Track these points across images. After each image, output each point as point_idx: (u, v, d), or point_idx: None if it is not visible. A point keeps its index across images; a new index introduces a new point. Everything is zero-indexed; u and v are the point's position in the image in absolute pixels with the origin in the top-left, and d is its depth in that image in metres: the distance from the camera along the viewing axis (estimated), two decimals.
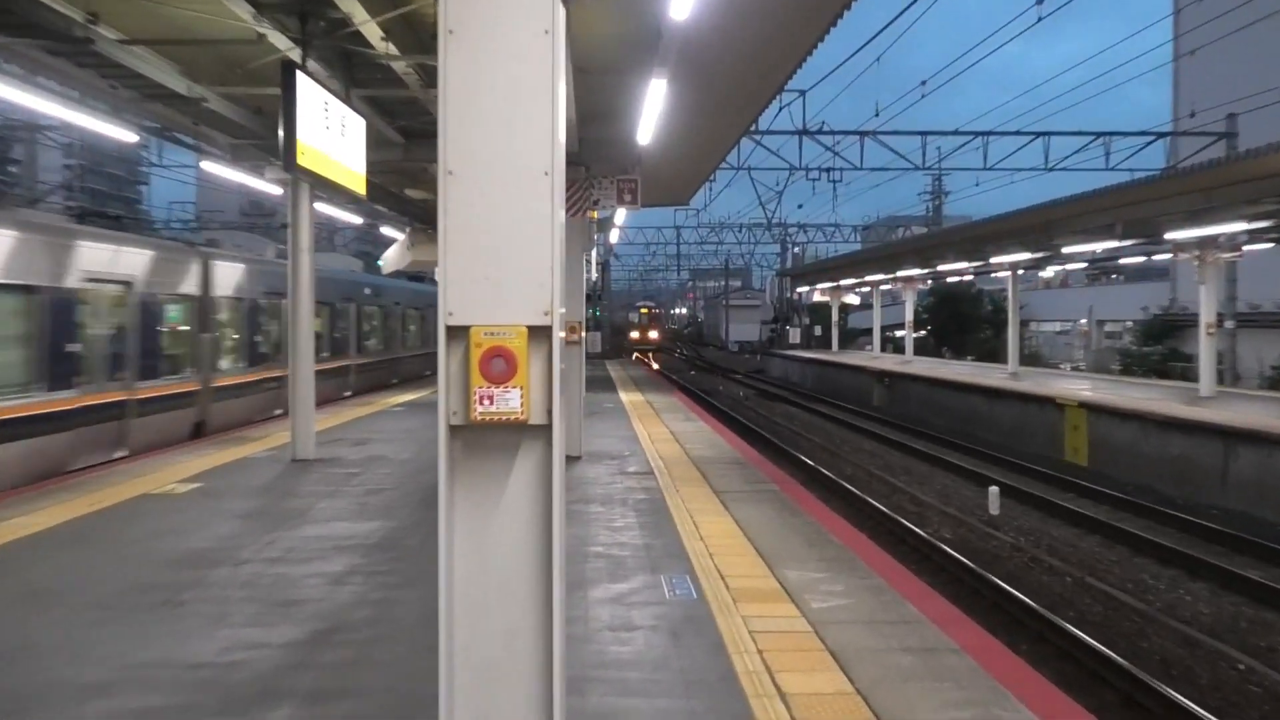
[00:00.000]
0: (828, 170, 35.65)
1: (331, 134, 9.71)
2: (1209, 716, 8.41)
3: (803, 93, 30.42)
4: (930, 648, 6.00)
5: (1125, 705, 9.17)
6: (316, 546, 8.70)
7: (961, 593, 12.50)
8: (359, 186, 10.69)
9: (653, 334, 76.98)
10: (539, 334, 3.39)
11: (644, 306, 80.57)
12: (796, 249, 66.37)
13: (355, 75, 11.54)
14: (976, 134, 31.87)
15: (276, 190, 15.86)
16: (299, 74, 8.92)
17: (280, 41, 9.91)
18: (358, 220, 24.93)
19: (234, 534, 9.20)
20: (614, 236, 35.50)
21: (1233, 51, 35.03)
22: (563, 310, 3.51)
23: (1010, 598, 11.90)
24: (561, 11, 3.40)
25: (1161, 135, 32.54)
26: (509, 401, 3.35)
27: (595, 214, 16.85)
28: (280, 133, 8.86)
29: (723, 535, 9.07)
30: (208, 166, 15.08)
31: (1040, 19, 19.91)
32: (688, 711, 5.09)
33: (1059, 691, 5.37)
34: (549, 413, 3.40)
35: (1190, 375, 30.50)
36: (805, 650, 5.98)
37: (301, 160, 8.97)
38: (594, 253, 41.66)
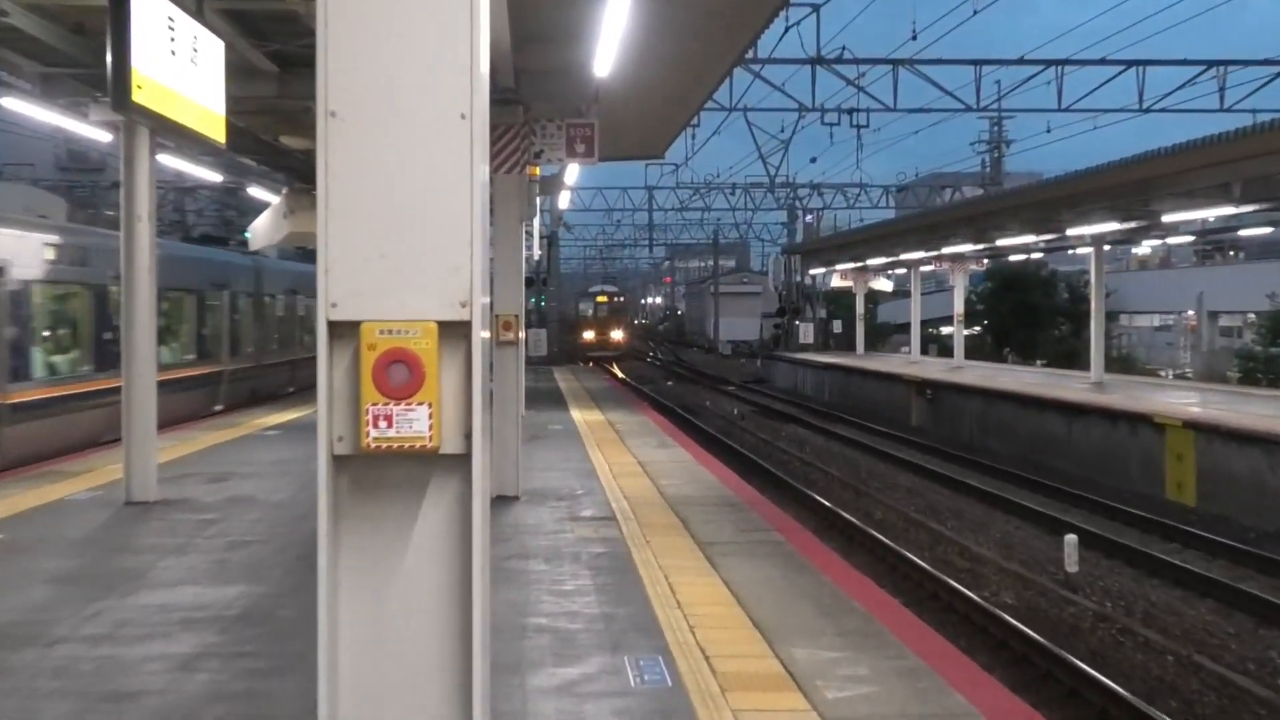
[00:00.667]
0: (850, 112, 35.85)
1: (179, 61, 9.65)
2: None
3: (816, 8, 30.50)
4: None
5: None
6: (158, 620, 8.63)
7: (1028, 677, 12.57)
8: (217, 132, 10.64)
9: (615, 334, 75.73)
10: (454, 332, 3.39)
11: (601, 293, 78.41)
12: (809, 218, 66.72)
13: None
14: (1048, 63, 32.08)
15: (105, 136, 15.75)
16: None
17: None
18: (216, 178, 24.81)
19: (44, 603, 9.11)
20: (564, 200, 35.47)
21: None
22: (487, 300, 3.51)
23: (1093, 684, 11.98)
24: None
25: None
26: (413, 423, 3.34)
27: (537, 170, 16.89)
28: (109, 59, 8.78)
29: (708, 601, 9.07)
30: (9, 104, 14.94)
31: None
32: None
33: None
34: (468, 438, 3.40)
35: None
36: None
37: (138, 96, 8.89)
38: (536, 222, 41.63)
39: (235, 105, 11.25)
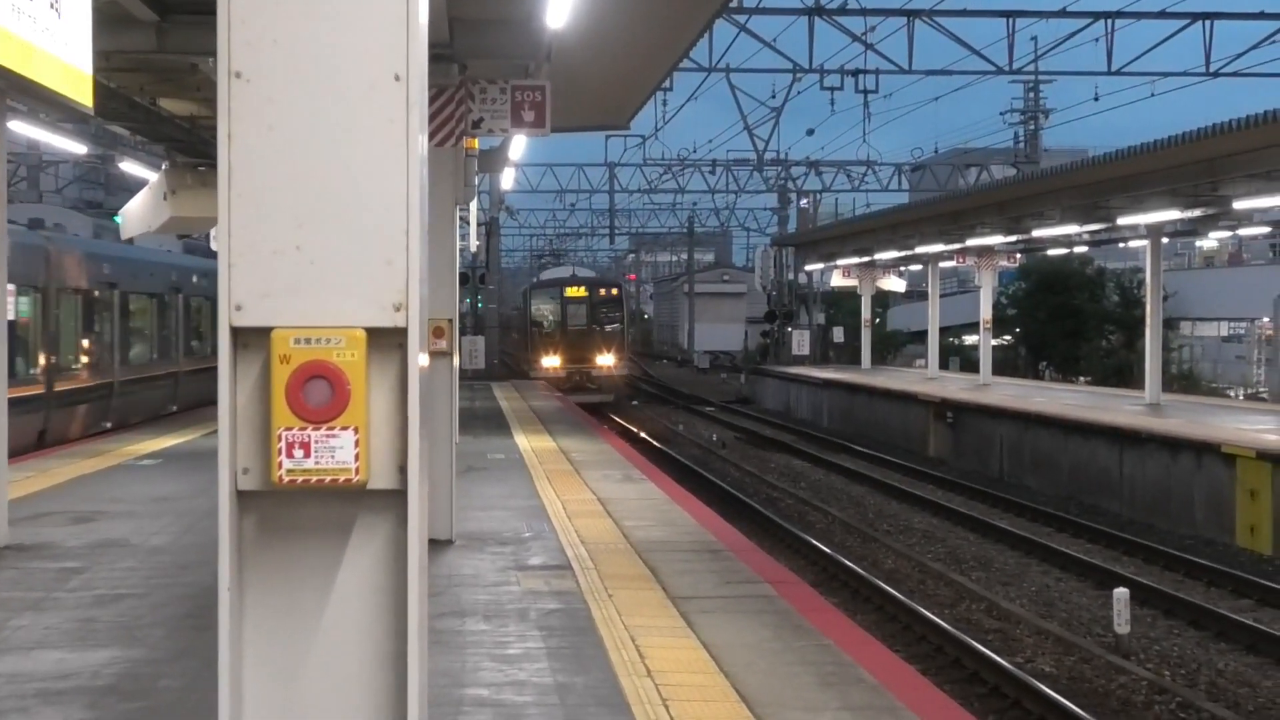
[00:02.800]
0: (855, 74, 35.97)
1: (37, 7, 9.62)
2: None
3: None
4: None
5: None
6: (8, 692, 8.57)
7: None
8: (82, 93, 10.60)
9: (602, 356, 54.23)
10: (385, 340, 3.39)
11: (576, 283, 58.98)
12: (804, 202, 66.94)
13: None
14: (1096, 15, 32.31)
15: None
16: None
17: None
18: (80, 149, 24.70)
19: None
20: (507, 180, 35.50)
21: None
22: (426, 302, 3.50)
23: None
24: None
25: None
26: (336, 452, 3.33)
27: (476, 143, 16.86)
28: None
29: (685, 669, 9.09)
30: None
31: None
32: None
33: None
34: (402, 471, 3.40)
35: None
36: None
37: None
38: (474, 206, 41.60)
39: (105, 61, 11.21)
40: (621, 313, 58.22)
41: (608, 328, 56.31)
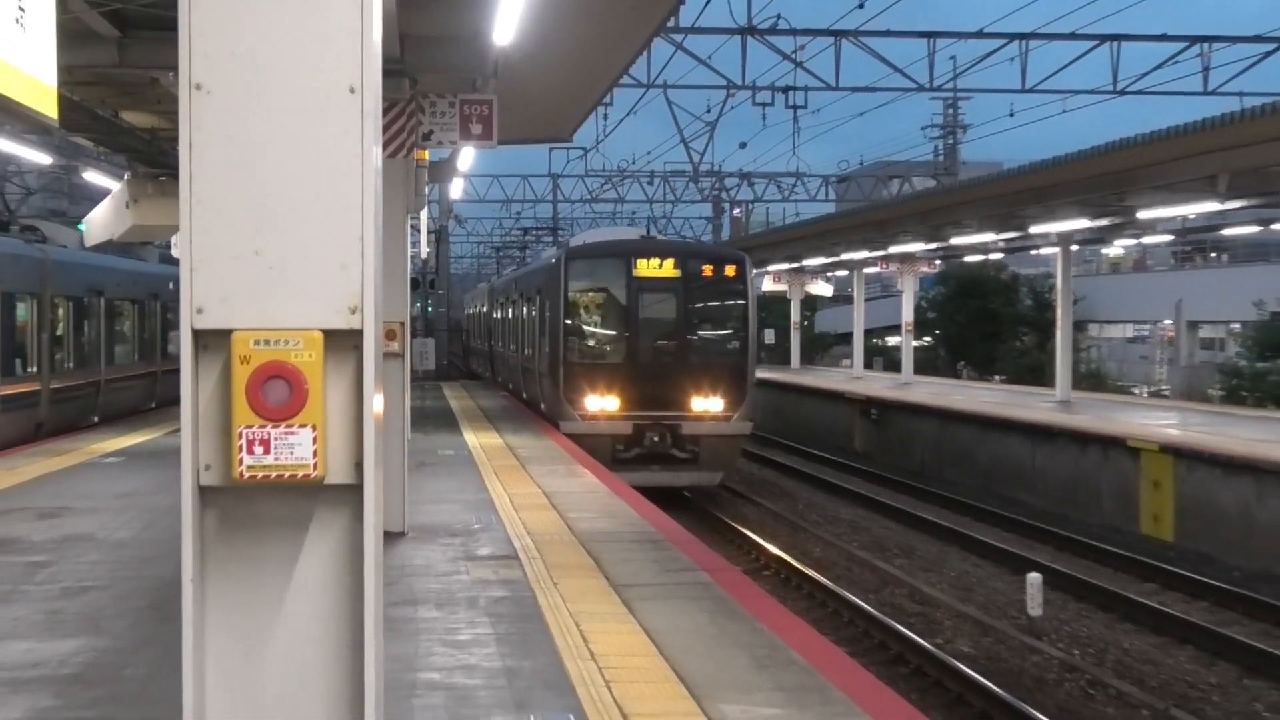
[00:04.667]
0: (785, 90, 36.03)
1: (2, 21, 9.51)
2: None
3: None
4: None
5: None
6: None
7: None
8: (46, 105, 10.47)
9: (712, 393, 27.51)
10: (342, 342, 3.36)
11: (657, 257, 28.90)
12: (736, 211, 66.96)
13: None
14: (1011, 36, 32.45)
15: None
16: None
17: None
18: (45, 160, 24.47)
19: None
20: (456, 190, 35.33)
21: None
22: (379, 305, 3.46)
23: None
24: None
25: None
26: (295, 448, 3.30)
27: (426, 155, 16.79)
28: None
29: (626, 652, 9.06)
30: None
31: None
32: None
33: None
34: (358, 467, 3.37)
35: None
36: None
37: None
38: (424, 215, 41.41)
39: (68, 75, 11.09)
40: (745, 312, 28.23)
41: (721, 339, 28.74)
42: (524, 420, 29.63)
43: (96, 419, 28.29)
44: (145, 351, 31.80)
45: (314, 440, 3.28)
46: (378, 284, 3.40)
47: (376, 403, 3.36)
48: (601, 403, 26.33)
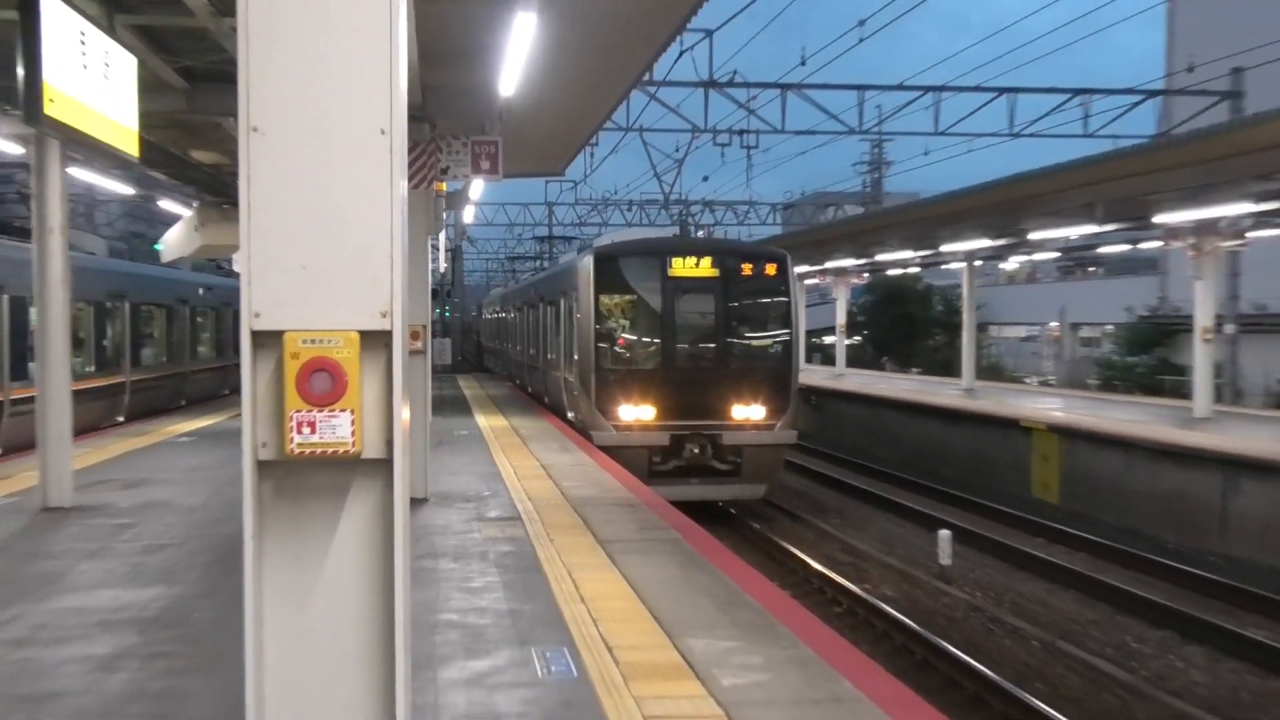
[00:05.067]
0: (740, 133, 35.98)
1: (91, 75, 9.42)
2: None
3: (710, 33, 30.58)
4: None
5: None
6: (75, 622, 8.43)
7: (909, 664, 12.72)
8: (129, 145, 10.41)
9: (754, 401, 21.29)
10: (375, 341, 3.34)
11: (695, 256, 22.10)
12: (700, 233, 66.86)
13: None
14: (926, 89, 32.46)
15: (15, 149, 15.38)
16: None
17: None
18: (128, 191, 24.35)
19: None
20: (468, 215, 35.28)
21: None
22: (403, 309, 3.45)
23: (968, 670, 12.15)
24: None
25: (1152, 94, 33.60)
26: (336, 429, 3.28)
27: (444, 186, 16.76)
28: (19, 73, 8.53)
29: (610, 596, 9.05)
30: None
31: None
32: None
33: None
34: (389, 444, 3.35)
35: (1184, 391, 31.57)
36: None
37: (50, 110, 8.64)
38: (442, 236, 41.34)
39: (146, 119, 11.01)
40: (790, 314, 22.73)
41: (763, 343, 22.95)
42: (526, 406, 29.52)
43: (121, 419, 25.83)
44: (174, 353, 28.79)
45: (352, 422, 3.27)
46: (404, 293, 3.39)
47: (403, 391, 3.35)
48: (636, 412, 20.84)
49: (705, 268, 21.34)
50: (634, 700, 6.62)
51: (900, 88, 32.95)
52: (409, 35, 3.35)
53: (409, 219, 3.60)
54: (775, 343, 21.87)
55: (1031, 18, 31.01)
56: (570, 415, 23.33)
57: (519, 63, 12.63)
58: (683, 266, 21.31)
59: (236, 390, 27.13)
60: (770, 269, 21.70)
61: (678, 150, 43.89)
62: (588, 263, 21.42)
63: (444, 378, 40.81)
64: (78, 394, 23.42)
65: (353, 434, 3.28)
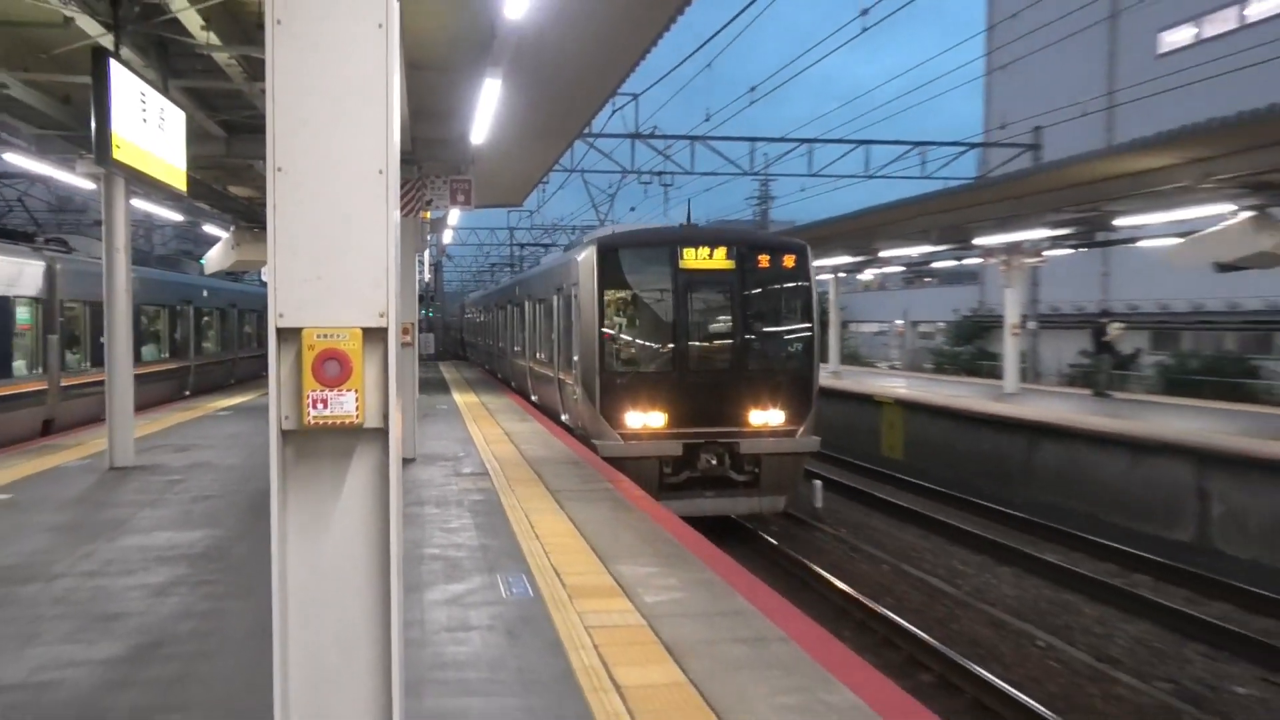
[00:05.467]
0: (659, 174, 36.01)
1: (149, 127, 9.27)
2: (1014, 692, 8.85)
3: (635, 96, 30.59)
4: (759, 637, 6.12)
5: (940, 685, 9.57)
6: (138, 558, 8.30)
7: (789, 584, 12.82)
8: (179, 182, 10.24)
9: (772, 405, 15.48)
10: (374, 336, 3.32)
11: (707, 246, 15.83)
12: None
13: (174, 65, 11.03)
14: (802, 141, 32.62)
15: (89, 185, 15.07)
16: (112, 62, 8.47)
17: (90, 26, 9.38)
18: (178, 218, 23.95)
19: (46, 548, 8.69)
20: (447, 237, 35.05)
21: (1040, 67, 37.03)
22: (396, 310, 3.43)
23: (833, 587, 12.29)
24: (395, 5, 3.32)
25: (973, 146, 34.01)
26: (344, 405, 3.26)
27: (428, 214, 16.61)
28: (93, 125, 8.39)
29: (558, 534, 9.05)
30: (10, 158, 14.18)
31: (864, 30, 20.53)
32: (526, 709, 5.06)
33: (880, 675, 5.55)
34: (385, 416, 3.33)
35: (997, 373, 32.06)
36: (640, 644, 6.02)
37: (117, 154, 8.51)
38: (426, 254, 41.03)
39: (193, 161, 10.86)
40: (809, 307, 16.37)
41: (782, 341, 16.34)
42: (494, 386, 29.37)
43: (188, 393, 25.18)
44: (178, 349, 25.75)
45: (356, 399, 3.25)
46: (397, 298, 3.36)
47: (396, 375, 3.33)
48: (645, 419, 15.56)
49: (720, 259, 15.79)
50: (577, 614, 6.63)
51: (782, 139, 33.08)
52: (401, 97, 3.32)
53: (401, 240, 3.57)
54: (796, 340, 16.18)
55: (882, 86, 31.44)
56: (566, 419, 17.78)
57: (487, 118, 12.58)
58: (695, 258, 15.76)
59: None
60: (789, 260, 16.12)
61: (610, 187, 43.83)
62: (589, 256, 15.80)
63: (428, 364, 40.52)
64: (158, 374, 23.55)
65: (357, 408, 3.26)
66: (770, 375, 15.42)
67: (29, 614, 6.77)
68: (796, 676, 5.47)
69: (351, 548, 3.29)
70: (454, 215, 22.35)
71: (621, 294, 15.53)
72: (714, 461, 15.01)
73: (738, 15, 16.13)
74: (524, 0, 8.34)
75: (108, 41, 9.38)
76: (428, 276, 51.99)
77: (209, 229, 27.14)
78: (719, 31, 18.06)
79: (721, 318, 15.71)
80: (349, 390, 3.26)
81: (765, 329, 15.86)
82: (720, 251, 15.52)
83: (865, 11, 20.52)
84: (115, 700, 5.26)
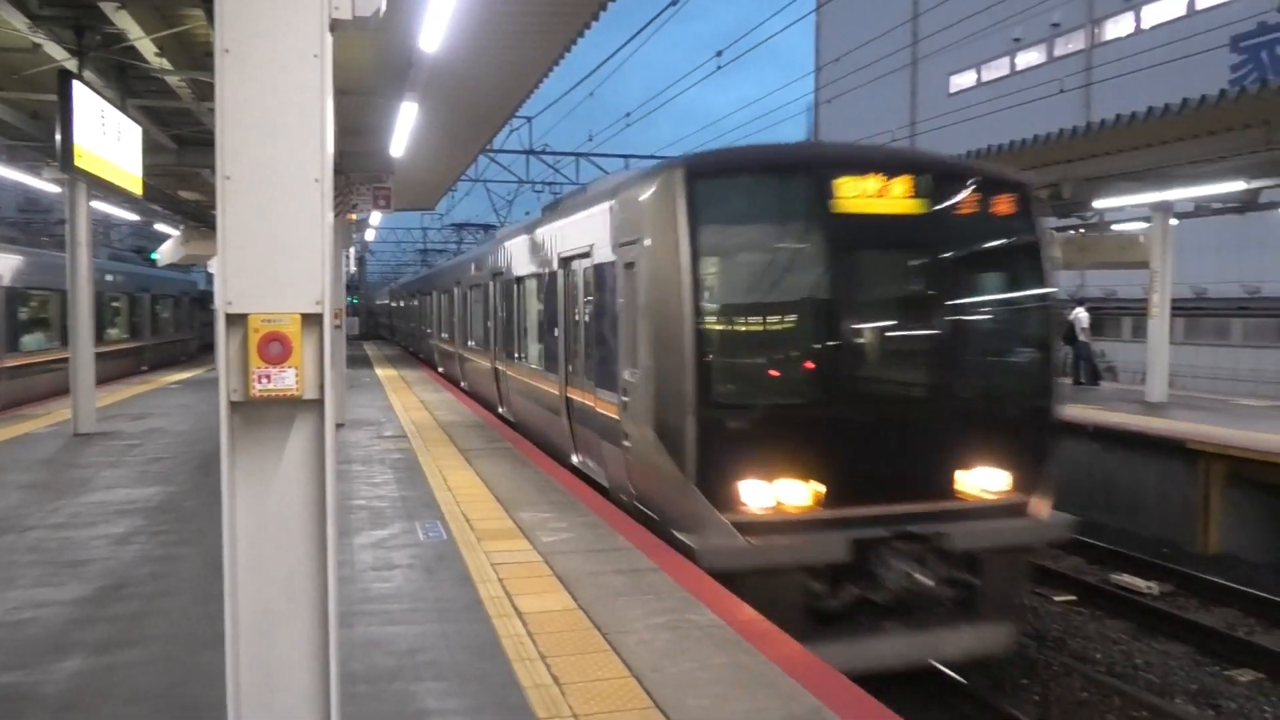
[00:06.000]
0: (549, 184, 35.78)
1: (108, 139, 8.82)
2: None
3: (530, 119, 30.33)
4: (636, 569, 6.17)
5: None
6: (100, 511, 7.94)
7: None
8: (135, 187, 9.79)
9: (998, 459, 6.32)
10: (311, 320, 3.21)
11: (879, 171, 6.23)
12: None
13: (131, 86, 10.51)
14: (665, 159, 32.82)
15: (55, 189, 14.27)
16: (75, 83, 8.04)
17: (56, 52, 8.90)
18: (134, 217, 22.85)
19: (19, 504, 8.24)
20: (370, 235, 34.27)
21: (857, 101, 37.91)
22: (329, 298, 3.33)
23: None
24: (329, 38, 3.21)
25: None
26: (285, 380, 3.15)
27: (354, 216, 16.21)
28: (58, 137, 7.97)
29: (467, 486, 8.97)
30: None
31: (719, 68, 20.88)
32: (441, 634, 5.00)
33: (737, 599, 5.64)
34: (321, 388, 3.23)
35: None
36: (537, 577, 6.01)
37: (79, 163, 8.12)
38: (352, 250, 40.07)
39: (147, 169, 10.38)
40: (1043, 285, 5.95)
41: (1006, 340, 6.51)
42: (410, 362, 28.85)
43: (146, 368, 23.74)
44: (135, 331, 23.94)
45: (296, 375, 3.15)
46: (331, 287, 3.26)
47: (330, 354, 3.24)
48: (780, 493, 6.25)
49: (900, 195, 6.79)
50: (484, 554, 6.58)
51: (652, 157, 33.22)
52: (332, 115, 3.22)
53: (332, 238, 3.46)
54: (1027, 343, 7.22)
55: (732, 114, 31.94)
56: (605, 476, 8.58)
57: (405, 135, 12.31)
58: (857, 192, 6.66)
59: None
60: (1006, 202, 7.05)
61: (509, 195, 43.47)
62: (671, 186, 6.61)
63: (353, 344, 39.57)
64: (119, 352, 22.47)
65: (297, 382, 3.16)
66: (989, 407, 6.93)
67: (4, 560, 6.43)
68: (667, 600, 5.53)
69: (292, 500, 3.20)
70: (376, 216, 21.81)
71: (731, 260, 6.78)
72: (911, 572, 6.48)
73: (616, 52, 16.18)
74: (436, 37, 8.19)
75: (72, 65, 8.93)
76: (353, 268, 50.73)
77: (161, 228, 25.98)
78: (600, 65, 18.04)
79: (907, 302, 7.07)
80: (290, 367, 3.16)
81: (980, 323, 7.23)
82: (902, 184, 6.82)
83: (720, 53, 20.77)
84: (84, 634, 5.03)
